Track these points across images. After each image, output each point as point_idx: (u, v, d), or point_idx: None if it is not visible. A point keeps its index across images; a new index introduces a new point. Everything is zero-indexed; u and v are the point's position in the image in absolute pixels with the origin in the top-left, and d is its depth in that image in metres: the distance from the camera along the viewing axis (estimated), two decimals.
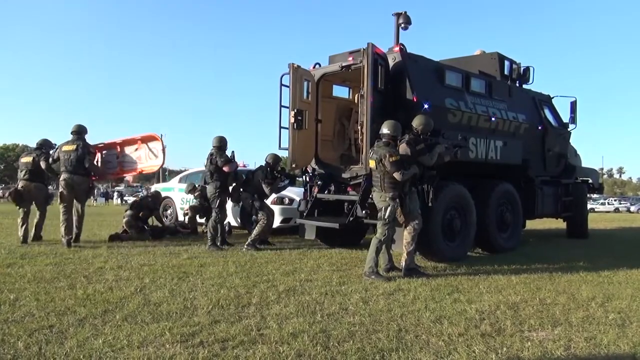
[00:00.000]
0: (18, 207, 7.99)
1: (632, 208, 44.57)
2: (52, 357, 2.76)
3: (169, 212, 11.18)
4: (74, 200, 7.73)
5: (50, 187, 9.52)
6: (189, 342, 3.03)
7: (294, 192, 9.24)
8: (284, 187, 8.04)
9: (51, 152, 7.98)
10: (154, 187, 13.40)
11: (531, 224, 10.46)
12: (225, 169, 7.43)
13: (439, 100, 6.62)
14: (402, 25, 7.28)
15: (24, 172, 8.00)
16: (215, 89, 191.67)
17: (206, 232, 7.71)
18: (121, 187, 52.95)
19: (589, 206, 13.78)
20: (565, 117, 9.44)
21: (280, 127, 7.18)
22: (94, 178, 8.28)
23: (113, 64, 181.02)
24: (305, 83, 7.30)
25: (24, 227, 7.82)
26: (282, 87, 7.16)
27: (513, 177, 7.90)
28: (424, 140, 5.52)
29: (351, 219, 6.52)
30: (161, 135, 8.94)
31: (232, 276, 5.16)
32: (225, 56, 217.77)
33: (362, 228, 7.49)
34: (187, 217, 9.74)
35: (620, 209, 44.81)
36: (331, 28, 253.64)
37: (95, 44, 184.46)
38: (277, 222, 8.80)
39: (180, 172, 18.54)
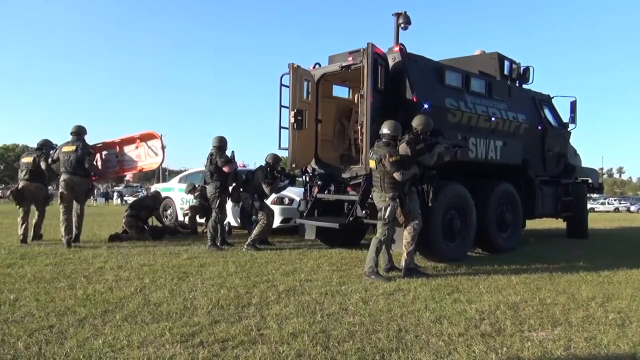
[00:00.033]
0: (18, 207, 8.01)
1: (632, 208, 44.58)
2: (52, 357, 2.76)
3: (169, 212, 11.18)
4: (74, 201, 7.75)
5: (50, 187, 9.52)
6: (189, 342, 3.03)
7: (294, 192, 9.24)
8: (284, 187, 8.04)
9: (51, 152, 7.99)
10: (154, 187, 13.41)
11: (531, 224, 10.46)
12: (225, 169, 7.43)
13: (439, 100, 6.62)
14: (402, 25, 7.27)
15: (24, 172, 8.02)
16: (215, 89, 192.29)
17: (206, 232, 7.71)
18: (121, 187, 52.92)
19: (588, 206, 13.77)
20: (565, 117, 9.45)
21: (280, 127, 7.19)
22: (93, 178, 8.29)
23: (113, 64, 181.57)
24: (305, 83, 7.30)
25: (23, 226, 7.83)
26: (282, 87, 7.16)
27: (513, 177, 7.90)
28: (423, 140, 5.52)
29: (351, 219, 6.52)
30: (161, 136, 8.91)
31: (232, 276, 5.16)
32: (225, 56, 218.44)
33: (362, 228, 7.50)
34: (187, 217, 9.76)
35: (620, 208, 44.82)
36: (331, 28, 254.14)
37: (95, 44, 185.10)
38: (277, 222, 8.80)
39: (180, 172, 18.56)
